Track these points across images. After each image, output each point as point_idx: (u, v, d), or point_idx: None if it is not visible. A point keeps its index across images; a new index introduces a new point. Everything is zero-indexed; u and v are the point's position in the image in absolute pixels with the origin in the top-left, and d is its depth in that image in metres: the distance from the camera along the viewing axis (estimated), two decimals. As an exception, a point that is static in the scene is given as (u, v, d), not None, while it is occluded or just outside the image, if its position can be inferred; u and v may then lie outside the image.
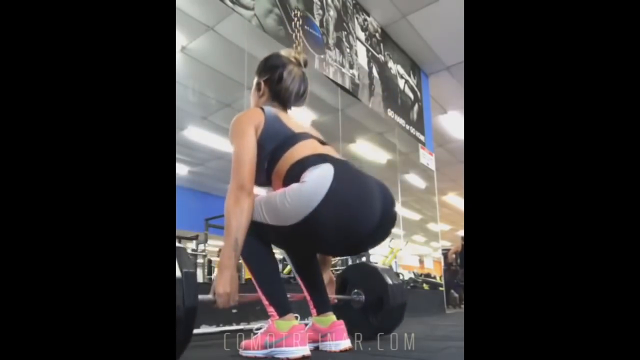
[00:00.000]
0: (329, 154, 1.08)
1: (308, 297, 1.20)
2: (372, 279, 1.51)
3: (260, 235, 1.05)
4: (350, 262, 3.36)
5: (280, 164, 1.08)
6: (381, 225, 1.03)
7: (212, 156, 5.32)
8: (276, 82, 1.19)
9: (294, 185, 0.97)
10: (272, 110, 1.15)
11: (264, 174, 1.11)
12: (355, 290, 1.53)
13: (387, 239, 1.39)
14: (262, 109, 1.13)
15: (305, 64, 1.25)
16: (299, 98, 1.23)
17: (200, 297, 0.88)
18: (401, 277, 5.04)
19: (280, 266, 1.31)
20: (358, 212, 0.97)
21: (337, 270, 4.34)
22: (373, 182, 1.04)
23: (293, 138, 1.10)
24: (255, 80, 1.24)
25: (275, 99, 1.20)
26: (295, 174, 1.02)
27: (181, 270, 0.80)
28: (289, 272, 2.80)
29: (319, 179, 0.95)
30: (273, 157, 1.09)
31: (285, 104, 1.21)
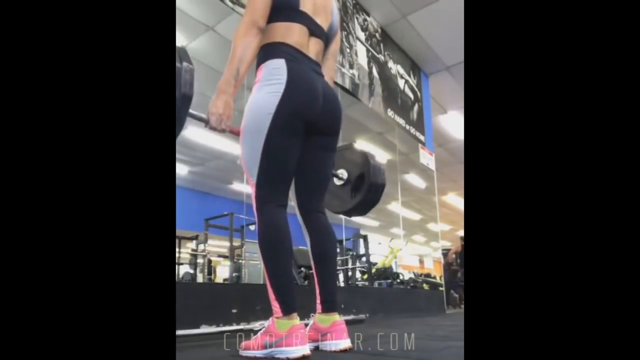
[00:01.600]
0: (296, 46, 1.15)
1: (317, 291, 1.18)
2: (358, 158, 1.63)
3: (269, 191, 1.09)
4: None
5: (268, 29, 1.14)
6: (325, 101, 1.15)
7: (212, 156, 5.32)
8: None
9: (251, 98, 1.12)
10: None
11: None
12: (340, 169, 1.65)
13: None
14: None
15: None
16: None
17: (195, 113, 1.02)
18: (401, 277, 5.05)
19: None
20: (310, 96, 1.11)
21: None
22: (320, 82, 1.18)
23: (292, 13, 1.16)
24: None
25: None
26: (261, 56, 1.14)
27: (181, 63, 0.92)
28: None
29: (274, 79, 1.08)
30: (270, 15, 1.13)
31: None
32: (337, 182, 1.65)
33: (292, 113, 1.08)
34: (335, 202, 1.66)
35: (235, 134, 1.16)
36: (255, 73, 1.15)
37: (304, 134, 1.14)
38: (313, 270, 1.21)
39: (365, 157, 1.61)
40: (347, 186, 1.63)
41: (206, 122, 1.08)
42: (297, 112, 1.09)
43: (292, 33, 1.15)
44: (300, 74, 1.11)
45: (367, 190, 1.58)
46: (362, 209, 1.63)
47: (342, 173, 1.64)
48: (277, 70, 1.09)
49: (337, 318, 1.14)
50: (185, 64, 0.94)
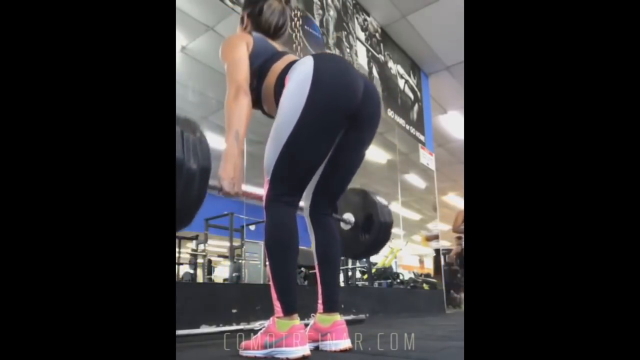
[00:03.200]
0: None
1: (320, 291, 1.18)
2: (362, 199, 1.61)
3: (282, 190, 1.07)
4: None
5: (268, 77, 1.17)
6: (366, 96, 1.10)
7: (212, 156, 5.31)
8: (257, 15, 1.29)
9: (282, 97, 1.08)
10: (259, 34, 1.26)
11: (255, 93, 1.18)
12: (346, 214, 1.62)
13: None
14: (250, 32, 1.25)
15: (287, 1, 1.35)
16: (278, 31, 1.33)
17: (211, 182, 0.95)
18: (401, 277, 5.05)
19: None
20: (345, 82, 1.05)
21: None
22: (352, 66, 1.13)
23: (278, 54, 1.21)
24: (240, 14, 1.35)
25: (257, 31, 1.29)
26: (281, 81, 1.12)
27: (195, 135, 0.89)
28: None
29: (301, 70, 1.04)
30: (261, 71, 1.18)
31: (266, 36, 1.30)
32: (344, 226, 1.60)
33: (326, 102, 1.01)
34: (347, 244, 1.60)
35: (249, 197, 1.13)
36: (283, 83, 1.12)
37: (342, 127, 1.09)
38: (316, 270, 1.21)
39: (369, 196, 1.57)
40: (356, 229, 1.59)
41: (219, 189, 1.01)
42: (332, 100, 1.02)
43: (290, 58, 1.18)
44: (328, 60, 1.06)
45: (378, 230, 1.54)
46: (374, 249, 1.58)
47: (349, 218, 1.60)
48: (304, 63, 1.05)
49: (338, 318, 1.14)
50: (199, 134, 0.89)
